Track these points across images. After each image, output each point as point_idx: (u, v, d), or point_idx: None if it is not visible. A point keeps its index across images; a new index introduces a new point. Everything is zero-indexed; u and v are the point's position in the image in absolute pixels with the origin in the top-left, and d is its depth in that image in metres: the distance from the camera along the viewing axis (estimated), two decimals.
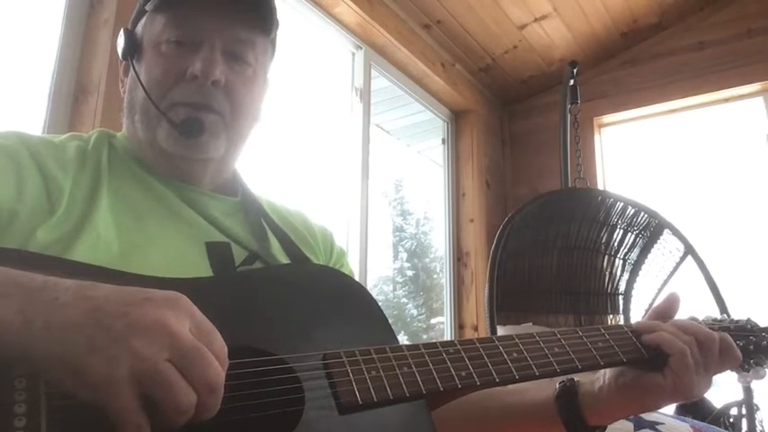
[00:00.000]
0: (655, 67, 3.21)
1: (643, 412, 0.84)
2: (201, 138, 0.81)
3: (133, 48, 0.86)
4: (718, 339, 0.79)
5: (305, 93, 2.66)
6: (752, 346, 0.88)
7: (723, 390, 2.07)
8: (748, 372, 0.88)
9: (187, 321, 0.49)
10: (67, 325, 0.46)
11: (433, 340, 0.71)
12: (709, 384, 0.78)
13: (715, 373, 0.80)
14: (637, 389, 0.78)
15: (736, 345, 0.85)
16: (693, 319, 0.86)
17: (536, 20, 2.97)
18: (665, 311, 0.85)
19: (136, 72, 0.83)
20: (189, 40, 0.82)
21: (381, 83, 2.92)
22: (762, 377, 0.88)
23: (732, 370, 0.88)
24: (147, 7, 0.84)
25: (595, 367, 0.77)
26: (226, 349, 0.51)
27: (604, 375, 0.81)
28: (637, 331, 0.81)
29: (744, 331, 0.90)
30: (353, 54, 2.74)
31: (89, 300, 0.48)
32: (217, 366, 0.49)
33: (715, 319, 0.91)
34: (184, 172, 0.85)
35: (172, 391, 0.46)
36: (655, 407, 0.81)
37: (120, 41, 0.87)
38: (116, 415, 0.45)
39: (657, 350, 0.78)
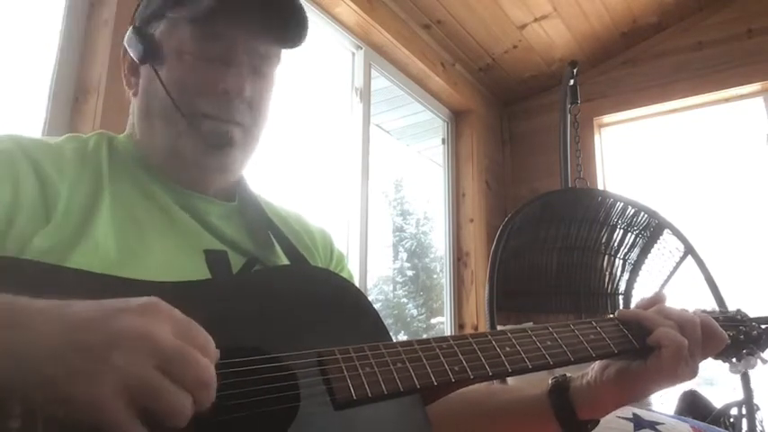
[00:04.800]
0: (655, 67, 3.21)
1: (632, 402, 0.85)
2: (229, 150, 0.83)
3: (152, 52, 0.84)
4: (698, 322, 0.80)
5: (305, 93, 2.65)
6: (742, 336, 0.89)
7: (723, 390, 2.07)
8: (739, 361, 0.89)
9: (166, 324, 0.48)
10: (47, 353, 0.45)
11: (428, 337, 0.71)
12: (695, 370, 0.79)
13: (702, 358, 0.81)
14: (623, 380, 0.79)
15: (727, 335, 0.86)
16: (683, 310, 0.87)
17: (536, 20, 2.97)
18: (649, 306, 0.85)
19: (160, 78, 0.82)
20: (219, 55, 0.83)
21: (381, 83, 2.92)
22: (753, 366, 0.90)
23: (723, 360, 0.90)
24: (172, 14, 0.83)
25: (588, 359, 0.78)
26: (212, 341, 0.51)
27: (592, 370, 0.82)
28: (626, 322, 0.82)
29: (734, 322, 0.91)
30: (353, 54, 2.74)
31: (64, 321, 0.47)
32: (204, 362, 0.48)
33: (705, 311, 0.91)
34: (198, 180, 0.85)
35: (164, 397, 0.46)
36: (642, 395, 0.82)
37: (136, 43, 0.85)
38: (111, 431, 0.44)
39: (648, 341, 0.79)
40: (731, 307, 0.97)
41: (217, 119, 0.82)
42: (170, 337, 0.48)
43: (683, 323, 0.79)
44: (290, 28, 0.86)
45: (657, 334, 0.78)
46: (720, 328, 0.83)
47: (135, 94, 0.87)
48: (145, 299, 0.49)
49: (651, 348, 0.78)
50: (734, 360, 0.89)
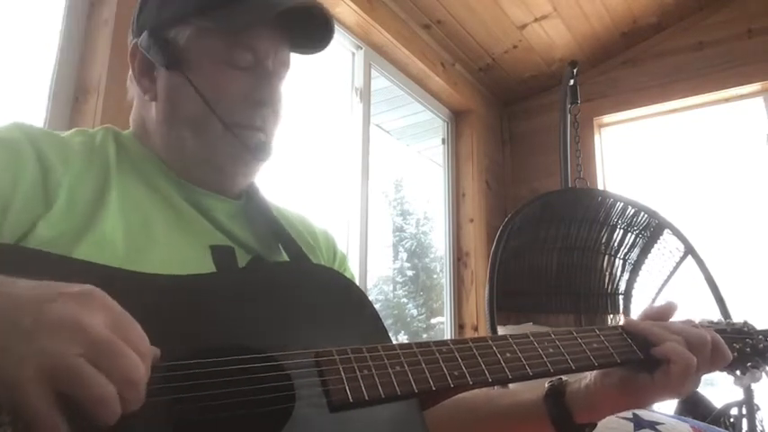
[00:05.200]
0: (655, 67, 3.21)
1: (630, 409, 0.85)
2: (266, 159, 0.85)
3: (180, 58, 0.83)
4: (710, 340, 0.79)
5: (305, 93, 2.66)
6: (748, 349, 0.88)
7: (723, 390, 2.07)
8: (744, 374, 0.87)
9: (101, 315, 0.47)
10: None
11: (428, 340, 0.71)
12: (697, 383, 0.79)
13: (705, 373, 0.81)
14: (626, 389, 0.78)
15: (733, 347, 0.85)
16: (689, 321, 0.86)
17: (536, 20, 2.97)
18: (659, 316, 0.84)
19: (194, 85, 0.81)
20: (251, 64, 0.84)
21: (381, 83, 2.92)
22: (758, 380, 0.88)
23: (728, 373, 0.88)
24: (199, 21, 0.82)
25: (590, 368, 0.77)
26: (146, 340, 0.50)
27: (591, 373, 0.81)
28: (631, 332, 0.81)
29: (740, 334, 0.89)
30: (353, 54, 2.74)
31: (2, 297, 0.46)
32: (133, 358, 0.47)
33: (711, 322, 0.90)
34: (218, 182, 0.86)
35: (85, 384, 0.44)
36: (642, 405, 0.82)
37: (156, 48, 0.83)
38: (29, 415, 0.43)
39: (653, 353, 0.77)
40: (731, 309, 0.95)
41: (252, 128, 0.83)
42: (101, 327, 0.47)
43: (691, 339, 0.78)
44: (320, 38, 0.88)
45: (666, 348, 0.76)
46: (727, 348, 0.82)
47: (153, 99, 0.85)
48: (83, 286, 0.49)
49: (656, 359, 0.77)
50: (738, 373, 0.88)
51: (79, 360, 0.45)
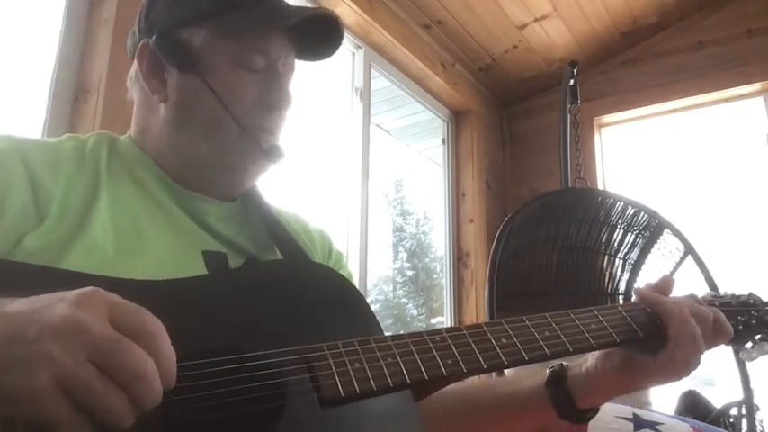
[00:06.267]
0: (655, 67, 3.21)
1: (632, 392, 0.83)
2: (279, 162, 0.86)
3: (194, 60, 0.82)
4: (711, 318, 0.78)
5: (305, 93, 2.65)
6: (754, 321, 0.85)
7: (723, 390, 2.07)
8: (752, 347, 0.85)
9: (101, 312, 0.46)
10: None
11: (422, 330, 0.70)
12: (698, 362, 0.77)
13: (707, 349, 0.79)
14: (627, 371, 0.77)
15: (738, 320, 0.83)
16: (693, 296, 0.84)
17: (536, 20, 2.97)
18: (658, 291, 0.83)
19: (211, 88, 0.81)
20: (263, 68, 0.85)
21: (381, 83, 2.92)
22: (766, 352, 0.85)
23: (735, 347, 0.86)
24: (213, 24, 0.82)
25: (588, 349, 0.75)
26: (157, 323, 0.48)
27: (592, 357, 0.80)
28: (634, 309, 0.79)
29: (746, 306, 0.87)
30: (353, 54, 2.74)
31: (1, 316, 0.45)
32: (140, 354, 0.45)
33: (715, 295, 0.88)
34: (224, 185, 0.86)
35: (96, 395, 0.43)
36: (643, 387, 0.81)
37: (169, 50, 0.83)
38: (53, 426, 0.42)
39: (653, 329, 0.76)
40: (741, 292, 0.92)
41: (264, 130, 0.84)
42: (103, 326, 0.45)
43: (696, 319, 0.77)
44: (328, 46, 0.89)
45: (676, 331, 0.75)
46: (728, 322, 0.80)
47: (163, 100, 0.84)
48: (83, 288, 0.47)
49: (655, 336, 0.75)
50: (747, 346, 0.85)
51: (87, 366, 0.43)
